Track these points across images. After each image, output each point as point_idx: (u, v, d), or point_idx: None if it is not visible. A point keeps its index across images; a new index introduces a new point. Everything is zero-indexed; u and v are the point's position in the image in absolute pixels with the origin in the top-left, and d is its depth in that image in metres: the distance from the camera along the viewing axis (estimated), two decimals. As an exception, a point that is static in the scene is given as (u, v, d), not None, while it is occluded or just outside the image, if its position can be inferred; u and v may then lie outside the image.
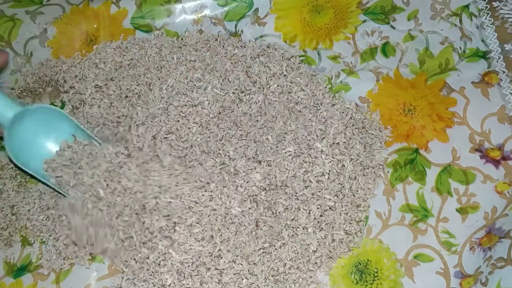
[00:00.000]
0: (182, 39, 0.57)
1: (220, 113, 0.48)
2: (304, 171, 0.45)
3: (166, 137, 0.47)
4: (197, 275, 0.43)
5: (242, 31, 0.58)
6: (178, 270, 0.43)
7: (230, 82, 0.51)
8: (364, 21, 0.57)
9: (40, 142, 0.45)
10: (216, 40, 0.56)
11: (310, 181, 0.44)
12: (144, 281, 0.44)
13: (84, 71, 0.55)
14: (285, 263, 0.43)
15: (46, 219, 0.49)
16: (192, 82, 0.51)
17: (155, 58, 0.54)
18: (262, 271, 0.43)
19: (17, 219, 0.49)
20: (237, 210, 0.43)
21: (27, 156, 0.45)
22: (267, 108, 0.49)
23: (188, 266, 0.43)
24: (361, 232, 0.46)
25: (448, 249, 0.45)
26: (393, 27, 0.56)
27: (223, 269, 0.43)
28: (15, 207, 0.50)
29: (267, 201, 0.44)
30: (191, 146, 0.47)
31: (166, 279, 0.43)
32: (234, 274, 0.43)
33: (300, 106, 0.50)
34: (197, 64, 0.53)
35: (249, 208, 0.44)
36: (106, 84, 0.54)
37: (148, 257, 0.44)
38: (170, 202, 0.44)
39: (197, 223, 0.44)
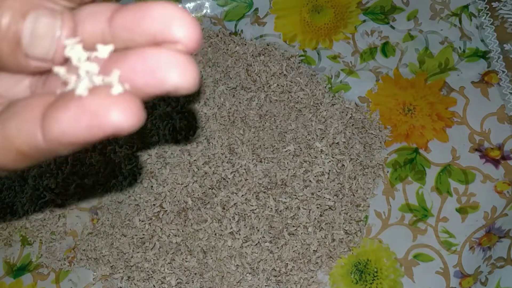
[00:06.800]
0: None
1: (219, 108, 0.48)
2: (304, 171, 0.45)
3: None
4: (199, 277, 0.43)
5: (241, 31, 0.58)
6: (180, 270, 0.43)
7: (231, 78, 0.51)
8: (364, 21, 0.57)
9: None
10: (217, 36, 0.56)
11: (310, 180, 0.44)
12: (144, 281, 0.44)
13: None
14: (287, 264, 0.43)
15: (45, 219, 0.49)
16: None
17: None
18: (264, 270, 0.43)
19: (17, 218, 0.49)
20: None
21: None
22: (268, 106, 0.49)
23: (189, 268, 0.43)
24: (360, 232, 0.46)
25: (448, 249, 0.45)
26: (392, 27, 0.56)
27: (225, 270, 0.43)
28: (14, 206, 0.50)
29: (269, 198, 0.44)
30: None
31: (169, 280, 0.43)
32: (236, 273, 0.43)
33: (300, 105, 0.50)
34: (198, 58, 0.53)
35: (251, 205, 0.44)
36: None
37: (147, 258, 0.44)
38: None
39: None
